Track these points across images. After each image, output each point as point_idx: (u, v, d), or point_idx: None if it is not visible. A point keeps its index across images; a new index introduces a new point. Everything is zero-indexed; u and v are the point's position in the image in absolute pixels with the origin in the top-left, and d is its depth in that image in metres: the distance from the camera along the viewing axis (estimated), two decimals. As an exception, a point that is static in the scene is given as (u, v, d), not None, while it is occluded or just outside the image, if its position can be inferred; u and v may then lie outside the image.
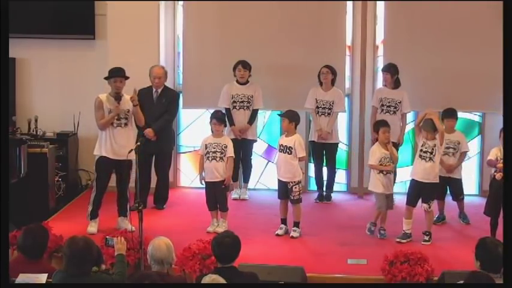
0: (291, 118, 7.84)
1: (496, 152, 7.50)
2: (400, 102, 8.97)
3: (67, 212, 8.77)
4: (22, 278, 5.18)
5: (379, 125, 8.02)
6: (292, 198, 7.82)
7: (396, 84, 9.01)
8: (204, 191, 8.12)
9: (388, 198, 7.90)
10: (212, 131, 8.06)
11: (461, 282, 4.99)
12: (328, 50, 9.48)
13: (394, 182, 8.72)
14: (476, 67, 9.32)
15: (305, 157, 8.12)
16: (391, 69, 8.98)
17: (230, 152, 7.97)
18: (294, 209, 7.86)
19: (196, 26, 9.73)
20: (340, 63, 9.47)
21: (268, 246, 7.55)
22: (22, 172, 8.39)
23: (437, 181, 7.69)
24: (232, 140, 8.33)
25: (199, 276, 5.49)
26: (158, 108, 8.70)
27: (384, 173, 7.84)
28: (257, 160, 9.81)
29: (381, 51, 9.72)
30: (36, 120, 9.56)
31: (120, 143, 7.80)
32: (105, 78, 7.86)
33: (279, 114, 8.24)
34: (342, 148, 9.74)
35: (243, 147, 9.20)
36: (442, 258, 7.11)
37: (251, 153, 9.47)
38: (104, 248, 6.20)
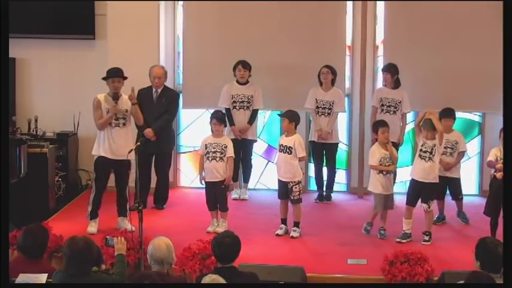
0: (291, 118, 7.84)
1: (495, 153, 7.50)
2: (400, 102, 8.97)
3: (67, 212, 8.77)
4: (22, 278, 5.18)
5: (378, 125, 8.02)
6: (292, 198, 7.82)
7: (396, 84, 9.01)
8: (204, 191, 8.12)
9: (388, 198, 7.90)
10: (212, 131, 8.06)
11: (462, 282, 4.99)
12: (328, 50, 9.48)
13: (394, 182, 8.72)
14: (476, 67, 9.33)
15: (305, 157, 8.12)
16: (391, 69, 8.98)
17: (230, 152, 7.97)
18: (294, 209, 7.86)
19: (196, 26, 9.73)
20: (340, 63, 9.47)
21: (268, 246, 7.55)
22: (22, 172, 8.39)
23: (437, 181, 7.69)
24: (232, 140, 8.34)
25: (199, 276, 5.49)
26: (158, 108, 8.70)
27: (384, 173, 7.84)
28: (257, 160, 9.81)
29: (381, 51, 9.72)
30: (36, 120, 9.56)
31: (118, 143, 7.81)
32: (103, 78, 7.87)
33: (279, 114, 8.24)
34: (342, 148, 9.74)
35: (243, 147, 9.20)
36: (442, 258, 7.11)
37: (251, 153, 9.47)
38: (104, 248, 6.20)
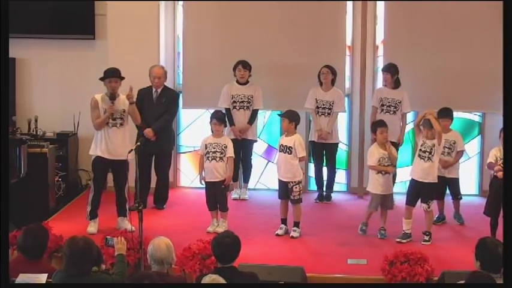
0: (291, 118, 7.84)
1: (495, 153, 7.50)
2: (400, 102, 8.97)
3: (67, 212, 8.77)
4: (22, 278, 5.18)
5: (377, 125, 8.02)
6: (292, 198, 7.82)
7: (396, 84, 9.01)
8: (204, 191, 8.12)
9: (387, 198, 7.90)
10: (212, 131, 8.06)
11: (462, 282, 4.99)
12: (328, 50, 9.48)
13: (394, 182, 8.74)
14: (476, 67, 9.33)
15: (305, 157, 8.12)
16: (391, 69, 8.98)
17: (230, 152, 7.97)
18: (294, 209, 7.86)
19: (196, 26, 9.73)
20: (340, 63, 9.46)
21: (268, 246, 7.55)
22: (22, 172, 8.39)
23: (436, 181, 7.69)
24: (232, 140, 8.34)
25: (199, 276, 5.49)
26: (158, 108, 8.70)
27: (383, 173, 7.84)
28: (257, 160, 9.81)
29: (381, 51, 9.71)
30: (36, 120, 9.56)
31: (115, 143, 7.81)
32: (101, 78, 7.87)
33: (279, 114, 8.24)
34: (342, 148, 9.74)
35: (243, 147, 9.20)
36: (442, 258, 7.11)
37: (251, 153, 9.47)
38: (104, 248, 6.20)
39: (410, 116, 9.37)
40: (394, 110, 8.97)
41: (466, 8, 9.28)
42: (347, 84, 9.67)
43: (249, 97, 9.17)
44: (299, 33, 9.56)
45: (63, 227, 7.58)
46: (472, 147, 9.73)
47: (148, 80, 8.73)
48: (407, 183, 8.06)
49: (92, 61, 9.60)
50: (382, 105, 9.00)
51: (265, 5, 9.51)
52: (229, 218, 8.05)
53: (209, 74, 9.64)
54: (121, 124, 7.86)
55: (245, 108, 9.19)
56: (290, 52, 9.55)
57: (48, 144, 8.94)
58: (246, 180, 9.50)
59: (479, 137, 9.76)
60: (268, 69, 9.52)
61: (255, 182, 9.88)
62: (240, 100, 9.17)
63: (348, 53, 9.72)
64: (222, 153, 7.92)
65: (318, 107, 9.15)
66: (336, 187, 9.55)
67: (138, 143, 7.19)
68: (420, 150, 7.67)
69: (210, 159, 7.92)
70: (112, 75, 7.81)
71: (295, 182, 7.80)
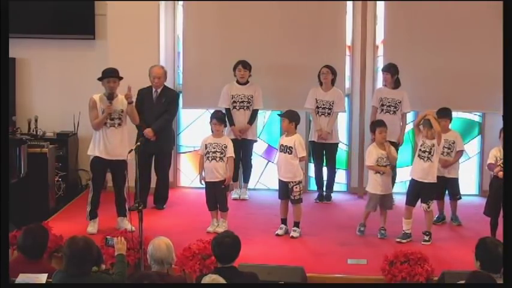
0: (291, 118, 7.84)
1: (494, 154, 7.50)
2: (400, 102, 8.97)
3: (67, 212, 8.77)
4: (22, 278, 5.18)
5: (376, 125, 8.02)
6: (292, 198, 7.82)
7: (396, 84, 9.01)
8: (204, 191, 8.12)
9: (386, 198, 7.90)
10: (212, 131, 8.06)
11: (462, 282, 4.99)
12: (328, 50, 9.48)
13: (394, 182, 8.74)
14: (476, 67, 9.32)
15: (305, 157, 8.12)
16: (391, 69, 8.98)
17: (230, 152, 7.97)
18: (294, 209, 7.86)
19: (196, 26, 9.73)
20: (340, 63, 9.46)
21: (268, 246, 7.55)
22: (22, 172, 8.39)
23: (436, 181, 7.68)
24: (232, 140, 8.34)
25: (199, 276, 5.49)
26: (158, 108, 8.70)
27: (381, 173, 7.83)
28: (257, 160, 9.81)
29: (381, 51, 9.71)
30: (36, 120, 9.56)
31: (113, 143, 7.81)
32: (99, 79, 7.87)
33: (279, 114, 8.24)
34: (342, 148, 9.74)
35: (243, 147, 9.20)
36: (442, 258, 7.11)
37: (251, 153, 9.47)
38: (104, 248, 6.20)
39: (410, 116, 9.37)
40: (394, 110, 8.96)
41: (466, 8, 9.28)
42: (347, 84, 9.67)
43: (249, 97, 9.17)
44: (299, 33, 9.57)
45: (63, 227, 7.58)
46: (472, 147, 9.73)
47: (148, 80, 8.73)
48: (407, 183, 8.06)
49: (92, 61, 9.60)
50: (382, 105, 9.00)
51: (265, 5, 9.51)
52: (229, 218, 8.05)
53: (209, 74, 9.64)
54: (119, 124, 7.85)
55: (245, 108, 9.19)
56: (290, 52, 9.55)
57: (48, 144, 8.94)
58: (246, 180, 9.50)
59: (479, 137, 9.76)
60: (268, 69, 9.52)
61: (255, 182, 9.88)
62: (240, 100, 9.17)
63: (348, 53, 9.72)
64: (222, 153, 7.92)
65: (318, 107, 9.15)
66: (336, 187, 9.56)
67: (138, 143, 7.19)
68: (420, 150, 7.68)
69: (210, 159, 7.92)
70: (110, 75, 7.81)
71: (295, 182, 7.80)
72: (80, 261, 5.02)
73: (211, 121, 8.07)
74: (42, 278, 5.19)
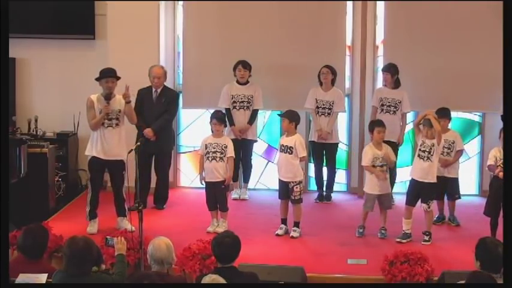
0: (291, 118, 7.84)
1: (494, 154, 7.50)
2: (400, 102, 8.96)
3: (67, 212, 8.77)
4: (22, 278, 5.18)
5: (375, 125, 8.02)
6: (293, 198, 7.81)
7: (396, 84, 9.01)
8: (204, 191, 8.12)
9: (385, 198, 7.89)
10: (212, 131, 8.06)
11: (462, 282, 4.99)
12: (328, 50, 9.48)
13: (394, 182, 8.75)
14: (476, 67, 9.32)
15: (306, 157, 8.12)
16: (391, 69, 8.97)
17: (230, 152, 7.97)
18: (294, 209, 7.86)
19: (196, 26, 9.73)
20: (340, 63, 9.46)
21: (268, 246, 7.55)
22: (22, 172, 8.39)
23: (436, 181, 7.68)
24: (232, 140, 8.33)
25: (199, 276, 5.49)
26: (158, 108, 8.70)
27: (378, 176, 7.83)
28: (257, 160, 9.81)
29: (381, 51, 9.71)
30: (36, 120, 9.56)
31: (111, 144, 7.82)
32: (97, 79, 7.87)
33: (279, 114, 8.24)
34: (342, 148, 9.74)
35: (243, 147, 9.20)
36: (442, 258, 7.11)
37: (251, 153, 9.47)
38: (104, 248, 6.20)
39: (410, 116, 9.37)
40: (394, 110, 8.96)
41: (466, 8, 9.28)
42: (347, 84, 9.67)
43: (249, 97, 9.17)
44: (299, 33, 9.56)
45: (63, 227, 7.58)
46: (472, 147, 9.73)
47: (148, 80, 8.73)
48: (407, 183, 8.06)
49: (92, 61, 9.60)
50: (382, 105, 8.99)
51: (265, 5, 9.51)
52: (229, 218, 8.05)
53: (209, 74, 9.64)
54: (117, 124, 7.85)
55: (245, 108, 9.19)
56: (290, 52, 9.55)
57: (48, 144, 8.93)
58: (246, 180, 9.50)
59: (479, 137, 9.76)
60: (268, 69, 9.52)
61: (255, 182, 9.88)
62: (240, 100, 9.17)
63: (348, 53, 9.72)
64: (222, 153, 7.93)
65: (318, 107, 9.15)
66: (336, 187, 9.56)
67: (138, 143, 7.18)
68: (420, 150, 7.68)
69: (210, 159, 7.92)
70: (108, 75, 7.81)
71: (295, 182, 7.80)
72: (80, 261, 5.02)
73: (211, 121, 8.07)
74: (42, 278, 5.19)
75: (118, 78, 7.86)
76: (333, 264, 7.04)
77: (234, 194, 9.35)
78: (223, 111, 8.79)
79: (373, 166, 7.83)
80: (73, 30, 9.83)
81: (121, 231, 7.11)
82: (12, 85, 9.59)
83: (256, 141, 9.45)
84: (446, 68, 9.38)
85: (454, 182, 8.36)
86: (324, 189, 9.39)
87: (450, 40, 9.36)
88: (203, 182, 8.05)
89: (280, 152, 7.90)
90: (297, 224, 7.85)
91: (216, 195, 7.98)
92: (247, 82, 9.22)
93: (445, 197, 8.39)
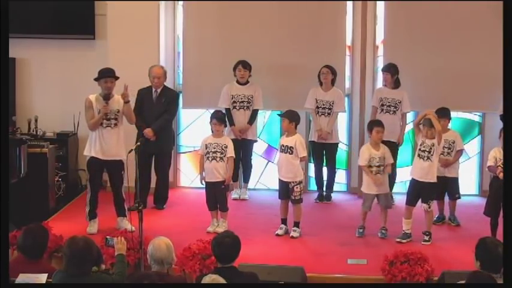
0: (291, 118, 7.84)
1: (494, 155, 7.50)
2: (400, 102, 8.96)
3: (67, 212, 8.77)
4: (22, 278, 5.18)
5: (373, 125, 8.01)
6: (293, 198, 7.81)
7: (396, 84, 9.01)
8: (204, 191, 8.12)
9: (384, 197, 7.89)
10: (212, 131, 8.06)
11: (462, 282, 5.00)
12: (328, 50, 9.48)
13: (394, 182, 8.74)
14: (476, 67, 9.32)
15: (306, 157, 8.11)
16: (391, 69, 8.97)
17: (230, 152, 7.97)
18: (294, 209, 7.86)
19: (196, 26, 9.73)
20: (340, 63, 9.46)
21: (268, 246, 7.55)
22: (22, 172, 8.39)
23: (436, 181, 7.68)
24: (232, 140, 8.33)
25: (199, 276, 5.49)
26: (158, 108, 8.70)
27: (374, 172, 7.82)
28: (257, 160, 9.81)
29: (381, 51, 9.71)
30: (36, 120, 9.56)
31: (109, 144, 7.81)
32: (95, 79, 7.87)
33: (279, 114, 8.24)
34: (342, 148, 9.74)
35: (243, 147, 9.20)
36: (442, 258, 7.11)
37: (251, 153, 9.47)
38: (104, 248, 6.20)
39: (410, 116, 9.37)
40: (394, 110, 8.96)
41: (466, 8, 9.28)
42: (347, 84, 9.67)
43: (249, 97, 9.17)
44: (299, 33, 9.56)
45: (63, 227, 7.58)
46: (472, 147, 9.73)
47: (148, 80, 8.73)
48: (407, 183, 8.06)
49: (92, 61, 9.59)
50: (382, 105, 8.99)
51: (265, 5, 9.51)
52: (229, 218, 8.05)
53: (209, 74, 9.64)
54: (115, 124, 7.85)
55: (245, 108, 9.19)
56: (290, 52, 9.55)
57: (48, 144, 8.93)
58: (246, 180, 9.50)
59: (479, 137, 9.76)
60: (268, 69, 9.52)
61: (255, 182, 9.88)
62: (240, 100, 9.17)
63: (348, 53, 9.72)
64: (222, 154, 7.93)
65: (318, 107, 9.15)
66: (336, 187, 9.56)
67: (138, 143, 7.18)
68: (419, 149, 7.68)
69: (210, 159, 7.92)
70: (107, 75, 7.81)
71: (296, 182, 7.80)
72: (80, 261, 5.02)
73: (211, 121, 8.07)
74: (42, 278, 5.19)
75: (117, 78, 7.86)
76: (333, 264, 7.04)
77: (234, 194, 9.35)
78: (223, 111, 8.79)
79: (370, 166, 7.82)
80: (73, 30, 9.83)
81: (121, 231, 7.11)
82: (12, 85, 9.59)
83: (256, 141, 9.45)
84: (446, 68, 9.38)
85: (454, 181, 8.36)
86: (324, 189, 9.39)
87: (450, 40, 9.36)
88: (203, 182, 8.05)
89: (281, 152, 7.90)
90: (297, 224, 7.85)
91: (216, 195, 7.98)
92: (247, 82, 9.22)
93: (446, 197, 8.39)
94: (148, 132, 8.55)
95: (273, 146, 9.82)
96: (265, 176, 9.96)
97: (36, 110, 9.86)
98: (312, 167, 9.64)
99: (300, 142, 7.80)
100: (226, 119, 8.55)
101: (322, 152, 9.29)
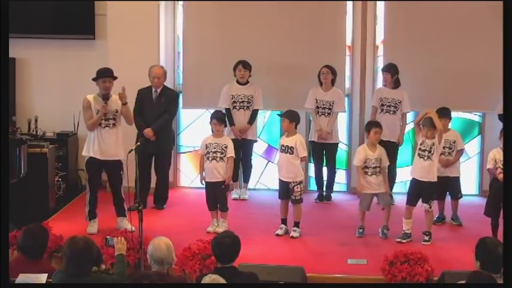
0: (291, 118, 7.84)
1: (493, 157, 7.50)
2: (400, 102, 8.96)
3: (67, 212, 8.77)
4: (22, 278, 5.18)
5: (371, 125, 8.00)
6: (293, 198, 7.81)
7: (396, 84, 9.01)
8: (204, 191, 8.12)
9: (383, 195, 7.87)
10: (212, 131, 8.06)
11: (462, 282, 5.00)
12: (328, 50, 9.48)
13: (394, 182, 8.74)
14: (476, 67, 9.32)
15: (307, 157, 8.11)
16: (391, 69, 8.97)
17: (230, 152, 7.97)
18: (294, 209, 7.86)
19: (196, 26, 9.73)
20: (340, 63, 9.47)
21: (268, 246, 7.55)
22: (22, 172, 8.38)
23: (436, 180, 7.67)
24: (232, 140, 8.33)
25: (199, 276, 5.49)
26: (158, 108, 8.70)
27: (369, 174, 7.82)
28: (257, 160, 9.81)
29: (381, 51, 9.71)
30: (36, 120, 9.56)
31: (108, 144, 7.81)
32: (93, 79, 7.87)
33: (279, 114, 8.24)
34: (342, 148, 9.75)
35: (243, 147, 9.20)
36: (442, 258, 7.11)
37: (251, 153, 9.47)
38: (104, 248, 6.20)
39: (410, 116, 9.37)
40: (394, 110, 8.96)
41: (466, 8, 9.28)
42: (347, 84, 9.67)
43: (249, 97, 9.17)
44: (299, 33, 9.56)
45: (63, 227, 7.58)
46: (472, 147, 9.73)
47: (148, 80, 8.73)
48: (408, 183, 8.06)
49: (92, 61, 9.57)
50: (382, 105, 8.99)
51: (265, 5, 9.51)
52: (229, 218, 8.05)
53: (209, 74, 9.64)
54: (114, 124, 7.85)
55: (245, 108, 9.19)
56: (290, 52, 9.55)
57: (48, 144, 8.93)
58: (246, 180, 9.50)
59: (479, 137, 9.76)
60: (268, 69, 9.52)
61: (255, 182, 9.88)
62: (240, 100, 9.17)
63: (348, 53, 9.72)
64: (222, 154, 7.92)
65: (318, 107, 9.15)
66: (336, 187, 9.56)
67: (138, 143, 7.18)
68: (420, 149, 7.67)
69: (210, 159, 7.92)
70: (105, 75, 7.80)
71: (296, 182, 7.80)
72: (80, 261, 5.02)
73: (211, 121, 8.07)
74: (42, 278, 5.19)
75: (115, 78, 7.86)
76: (333, 264, 7.04)
77: (234, 194, 9.35)
78: (223, 111, 8.79)
79: (366, 167, 7.82)
80: (73, 30, 9.83)
81: (121, 231, 7.11)
82: (12, 85, 9.59)
83: (256, 141, 9.45)
84: (446, 68, 9.38)
85: (456, 181, 8.36)
86: (324, 189, 9.39)
87: (450, 40, 9.36)
88: (203, 182, 8.05)
89: (281, 152, 7.90)
90: (297, 224, 7.85)
91: (216, 195, 7.98)
92: (247, 82, 9.22)
93: (447, 197, 8.39)
94: (148, 132, 8.55)
95: (273, 146, 9.82)
96: (265, 176, 9.96)
97: (36, 110, 9.86)
98: (312, 167, 9.64)
99: (300, 142, 7.80)
100: (226, 119, 8.54)
101: (322, 152, 9.29)
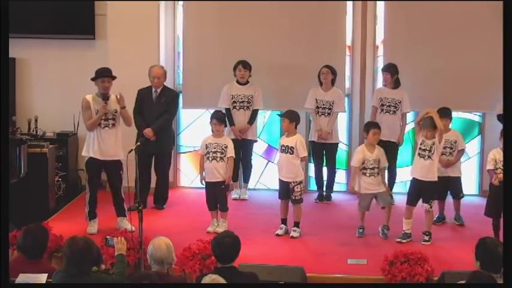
0: (291, 118, 7.83)
1: (492, 157, 7.50)
2: (400, 102, 8.96)
3: (67, 212, 8.77)
4: (22, 278, 5.18)
5: (370, 126, 7.99)
6: (293, 198, 7.81)
7: (396, 84, 9.01)
8: (204, 191, 8.12)
9: (382, 195, 7.87)
10: (212, 131, 8.06)
11: (462, 282, 5.00)
12: (328, 50, 9.48)
13: (394, 182, 8.74)
14: (476, 67, 9.32)
15: (307, 157, 8.11)
16: (391, 69, 8.97)
17: (230, 152, 7.97)
18: (294, 209, 7.86)
19: (196, 26, 9.73)
20: (340, 63, 9.46)
21: (268, 246, 7.55)
22: (22, 172, 8.38)
23: (436, 179, 7.67)
24: (232, 140, 8.33)
25: (199, 276, 5.49)
26: (158, 108, 8.70)
27: (367, 174, 7.82)
28: (257, 160, 9.81)
29: (381, 51, 9.71)
30: (36, 120, 9.56)
31: (107, 144, 7.81)
32: (92, 79, 7.86)
33: (279, 115, 8.25)
34: (342, 148, 9.74)
35: (243, 147, 9.20)
36: (442, 258, 7.11)
37: (251, 153, 9.47)
38: (104, 248, 6.20)
39: (410, 116, 9.37)
40: (394, 110, 8.96)
41: (466, 8, 9.28)
42: (347, 84, 9.67)
43: (249, 97, 9.17)
44: (299, 33, 9.56)
45: (63, 227, 7.58)
46: (472, 147, 9.73)
47: (148, 80, 8.73)
48: (408, 183, 8.06)
49: (92, 61, 9.56)
50: (382, 105, 8.99)
51: (265, 5, 9.51)
52: (229, 218, 8.05)
53: (209, 74, 9.64)
54: (113, 125, 7.85)
55: (245, 108, 9.19)
56: (290, 52, 9.55)
57: (48, 144, 8.93)
58: (246, 180, 9.50)
59: (479, 137, 9.76)
60: (268, 69, 9.52)
61: (255, 182, 9.88)
62: (240, 100, 9.18)
63: (348, 53, 9.72)
64: (222, 154, 7.93)
65: (318, 107, 9.15)
66: (336, 187, 9.55)
67: (138, 143, 7.18)
68: (420, 148, 7.67)
69: (210, 159, 7.92)
70: (104, 75, 7.80)
71: (296, 182, 7.80)
72: (80, 261, 5.02)
73: (211, 121, 8.07)
74: (42, 278, 5.19)
75: (114, 78, 7.86)
76: (333, 264, 7.04)
77: (234, 194, 9.36)
78: (223, 111, 8.79)
79: (364, 168, 7.81)
80: (73, 30, 9.83)
81: (121, 231, 7.11)
82: (12, 85, 9.59)
83: (256, 141, 9.45)
84: (446, 68, 9.38)
85: (458, 181, 8.36)
86: (324, 189, 9.39)
87: (450, 40, 9.36)
88: (203, 182, 8.05)
89: (281, 152, 7.90)
90: (297, 224, 7.85)
91: (216, 195, 7.98)
92: (247, 82, 9.22)
93: (448, 197, 8.38)
94: (148, 132, 8.55)
95: (273, 146, 9.82)
96: (265, 176, 9.96)
97: (36, 110, 9.86)
98: (312, 167, 9.64)
99: (300, 142, 7.80)
100: (226, 119, 8.55)
101: (322, 152, 9.29)
